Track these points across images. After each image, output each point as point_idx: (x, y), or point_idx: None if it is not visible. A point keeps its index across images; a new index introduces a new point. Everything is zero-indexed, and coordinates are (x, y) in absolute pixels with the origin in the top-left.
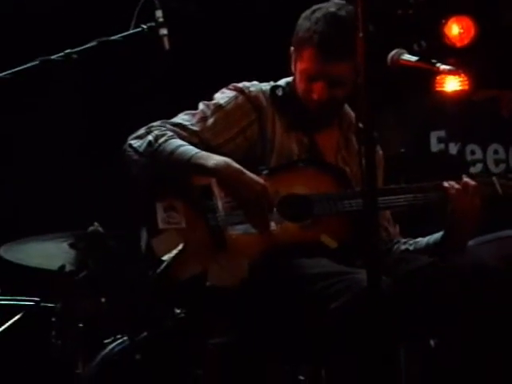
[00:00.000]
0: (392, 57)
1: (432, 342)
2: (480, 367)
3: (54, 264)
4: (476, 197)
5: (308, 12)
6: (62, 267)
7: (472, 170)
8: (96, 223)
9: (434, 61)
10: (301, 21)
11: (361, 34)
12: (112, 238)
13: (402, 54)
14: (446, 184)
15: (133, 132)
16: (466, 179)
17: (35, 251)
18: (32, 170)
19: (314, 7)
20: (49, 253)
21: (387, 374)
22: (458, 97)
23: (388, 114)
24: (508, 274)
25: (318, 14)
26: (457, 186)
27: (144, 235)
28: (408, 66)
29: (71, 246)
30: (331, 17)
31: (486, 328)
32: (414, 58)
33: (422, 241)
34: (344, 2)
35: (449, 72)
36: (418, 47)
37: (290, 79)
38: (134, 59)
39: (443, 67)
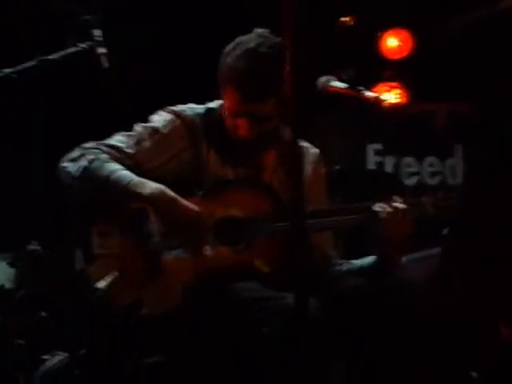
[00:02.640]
0: (321, 83)
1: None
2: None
3: None
4: (406, 219)
5: (230, 46)
6: (1, 286)
7: (408, 182)
8: (34, 242)
9: (360, 88)
10: (223, 55)
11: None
12: (50, 257)
13: (330, 80)
14: (376, 207)
15: (69, 150)
16: (395, 203)
17: None
18: None
19: (237, 40)
20: None
21: None
22: (394, 110)
23: (330, 122)
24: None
25: (238, 51)
26: (388, 209)
27: (79, 257)
28: (336, 93)
29: (10, 264)
30: (250, 54)
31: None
32: (342, 85)
33: (357, 263)
34: (267, 33)
35: (374, 99)
36: (346, 74)
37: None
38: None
39: (369, 94)
